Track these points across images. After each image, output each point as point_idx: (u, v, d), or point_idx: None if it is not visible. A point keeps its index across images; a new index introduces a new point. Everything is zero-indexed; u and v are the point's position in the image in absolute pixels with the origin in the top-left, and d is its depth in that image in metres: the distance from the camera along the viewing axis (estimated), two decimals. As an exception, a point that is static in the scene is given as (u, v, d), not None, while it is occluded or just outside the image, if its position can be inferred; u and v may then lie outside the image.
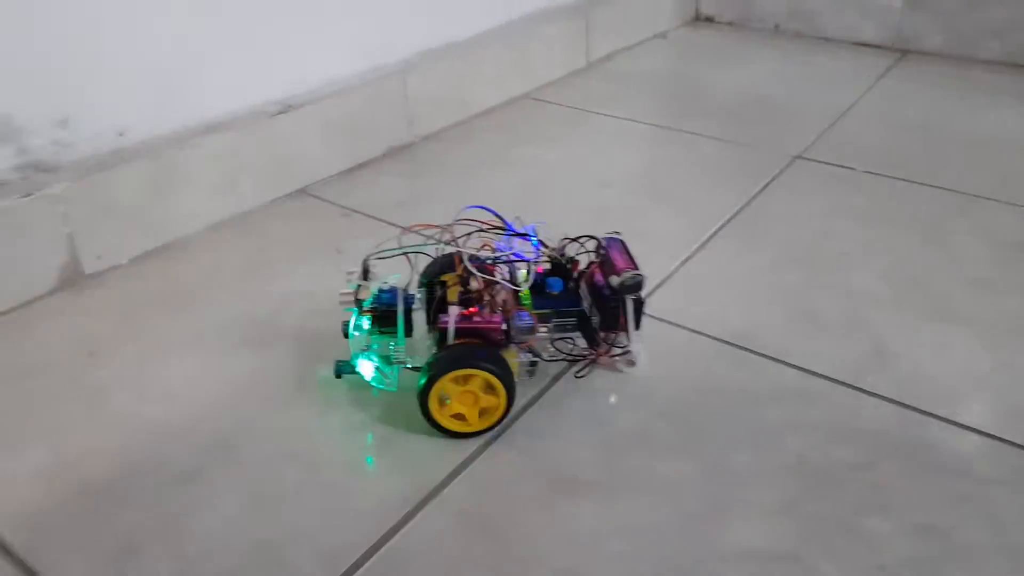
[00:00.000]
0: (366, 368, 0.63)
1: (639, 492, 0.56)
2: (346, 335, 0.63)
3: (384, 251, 0.62)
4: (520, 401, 0.64)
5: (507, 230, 0.64)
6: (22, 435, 0.62)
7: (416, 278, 0.65)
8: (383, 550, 0.51)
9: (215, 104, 0.92)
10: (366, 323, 0.62)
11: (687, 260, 0.85)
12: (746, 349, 0.71)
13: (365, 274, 0.62)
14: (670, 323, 0.74)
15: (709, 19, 1.69)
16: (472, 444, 0.60)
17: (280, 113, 0.97)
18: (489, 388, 0.59)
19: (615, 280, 0.62)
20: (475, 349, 0.59)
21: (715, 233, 0.90)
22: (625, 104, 1.27)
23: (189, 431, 0.62)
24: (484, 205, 0.65)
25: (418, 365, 0.60)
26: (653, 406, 0.64)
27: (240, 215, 0.94)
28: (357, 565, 0.50)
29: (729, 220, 0.93)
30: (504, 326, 0.60)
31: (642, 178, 1.05)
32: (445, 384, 0.58)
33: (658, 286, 0.80)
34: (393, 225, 0.91)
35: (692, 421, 0.63)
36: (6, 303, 0.77)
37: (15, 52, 0.74)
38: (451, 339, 0.59)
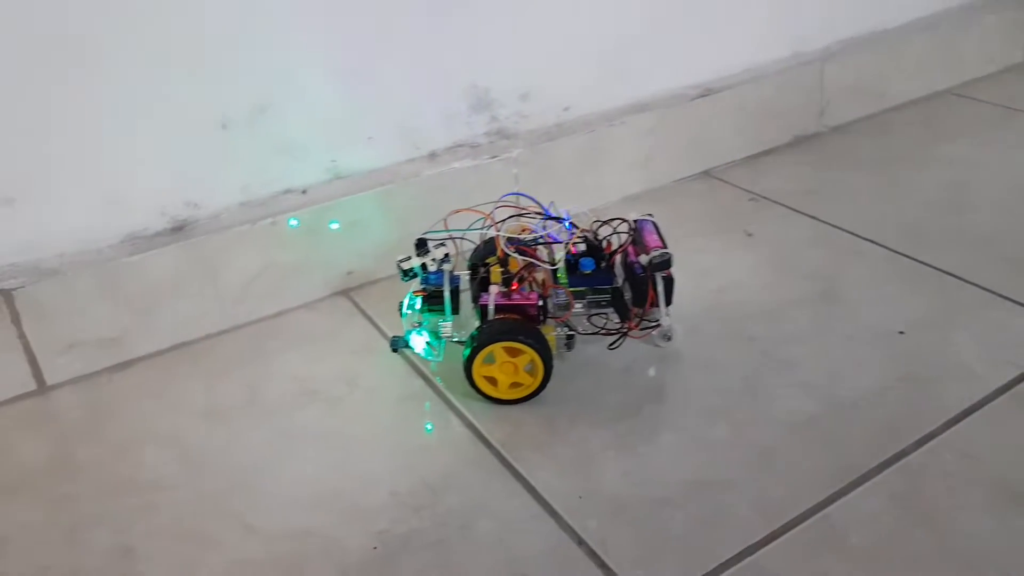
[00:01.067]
0: (418, 343, 0.68)
1: (1109, 525, 0.51)
2: (401, 313, 0.68)
3: (430, 232, 0.67)
4: (961, 406, 0.61)
5: (544, 215, 0.68)
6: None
7: (463, 261, 0.70)
8: (818, 515, 0.53)
9: (644, 86, 1.00)
10: (418, 303, 0.68)
11: None
12: None
13: (419, 248, 0.67)
14: None
15: None
16: (909, 436, 0.59)
17: (699, 97, 1.02)
18: (530, 367, 0.64)
19: (644, 258, 0.65)
20: (519, 324, 0.63)
21: None
22: (1075, 104, 1.11)
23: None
24: (523, 192, 0.69)
25: (462, 340, 0.66)
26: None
27: (650, 190, 1.01)
28: (794, 523, 0.53)
29: None
30: (540, 303, 0.64)
31: (1100, 189, 0.92)
32: (496, 349, 0.63)
33: None
34: (802, 214, 0.92)
35: None
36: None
37: (496, 33, 0.87)
38: (491, 315, 0.64)
